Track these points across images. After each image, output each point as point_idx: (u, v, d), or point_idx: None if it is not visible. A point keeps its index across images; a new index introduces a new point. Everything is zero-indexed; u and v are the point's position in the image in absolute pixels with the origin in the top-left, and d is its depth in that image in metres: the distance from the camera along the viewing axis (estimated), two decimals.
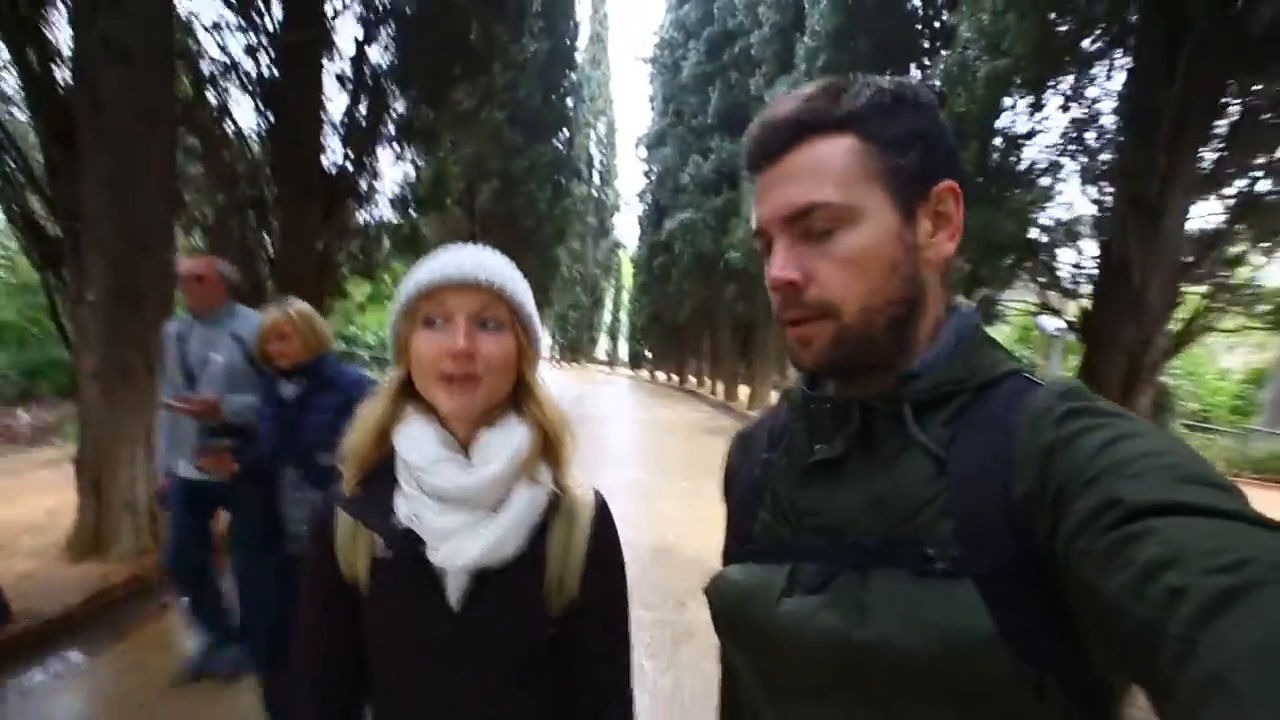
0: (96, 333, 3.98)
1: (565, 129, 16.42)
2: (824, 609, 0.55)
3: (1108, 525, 0.40)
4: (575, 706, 0.86)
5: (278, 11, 5.65)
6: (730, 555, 0.72)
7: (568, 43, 15.37)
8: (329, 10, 5.41)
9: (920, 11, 7.47)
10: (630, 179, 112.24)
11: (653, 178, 25.92)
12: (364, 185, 6.38)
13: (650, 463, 9.39)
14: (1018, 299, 5.85)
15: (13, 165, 4.18)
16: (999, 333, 5.34)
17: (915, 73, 7.58)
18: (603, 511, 0.86)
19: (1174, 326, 3.87)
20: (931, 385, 0.58)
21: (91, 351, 4.01)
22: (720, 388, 21.53)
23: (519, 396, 0.82)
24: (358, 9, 5.78)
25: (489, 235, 12.61)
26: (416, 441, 0.77)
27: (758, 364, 17.58)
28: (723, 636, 0.68)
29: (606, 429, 12.97)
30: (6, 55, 4.05)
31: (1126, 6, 3.68)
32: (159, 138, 4.23)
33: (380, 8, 5.67)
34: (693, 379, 28.70)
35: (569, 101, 16.34)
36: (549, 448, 0.81)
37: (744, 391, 19.43)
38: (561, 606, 0.81)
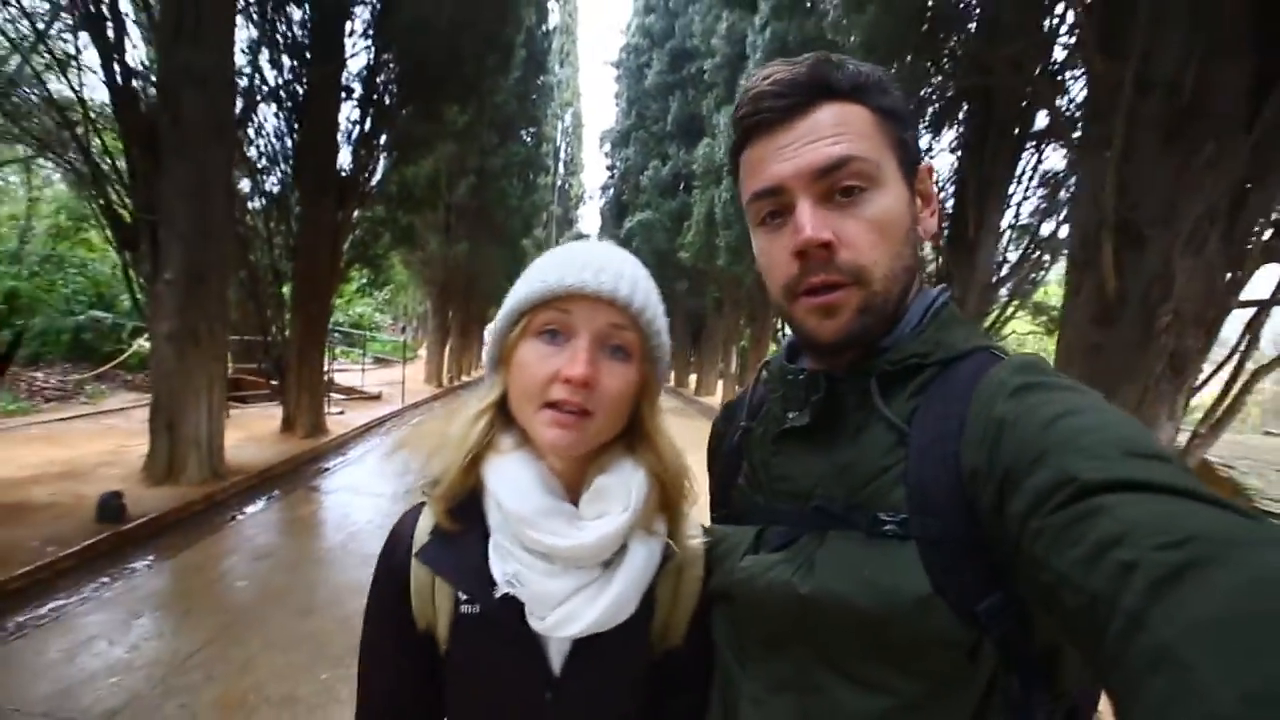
0: (172, 304, 5.03)
1: (534, 126, 17.47)
2: (778, 565, 0.59)
3: (1059, 504, 0.40)
4: None
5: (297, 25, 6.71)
6: (712, 518, 0.75)
7: (544, 46, 16.40)
8: (347, 46, 6.48)
9: None
10: (595, 171, 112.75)
11: (616, 174, 27.02)
12: (367, 185, 7.44)
13: None
14: None
15: (99, 166, 5.14)
16: None
17: None
18: None
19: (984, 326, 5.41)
20: (898, 359, 0.58)
21: (168, 318, 5.05)
22: (671, 375, 23.03)
23: (632, 435, 0.68)
24: (367, 42, 6.85)
25: (462, 225, 13.63)
26: (516, 483, 0.64)
27: (705, 353, 19.14)
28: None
29: None
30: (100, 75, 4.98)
31: (959, 97, 5.15)
32: (224, 147, 5.29)
33: (387, 41, 6.73)
34: None
35: (538, 100, 17.38)
36: (665, 497, 0.68)
37: (693, 379, 20.98)
38: (659, 653, 0.72)
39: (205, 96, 4.98)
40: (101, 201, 5.14)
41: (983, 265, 5.23)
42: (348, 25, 6.52)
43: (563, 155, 39.76)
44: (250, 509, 5.17)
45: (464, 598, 0.66)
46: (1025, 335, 6.40)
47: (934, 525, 0.52)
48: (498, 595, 0.63)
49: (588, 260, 0.63)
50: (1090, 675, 0.54)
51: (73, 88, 5.03)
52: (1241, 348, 3.36)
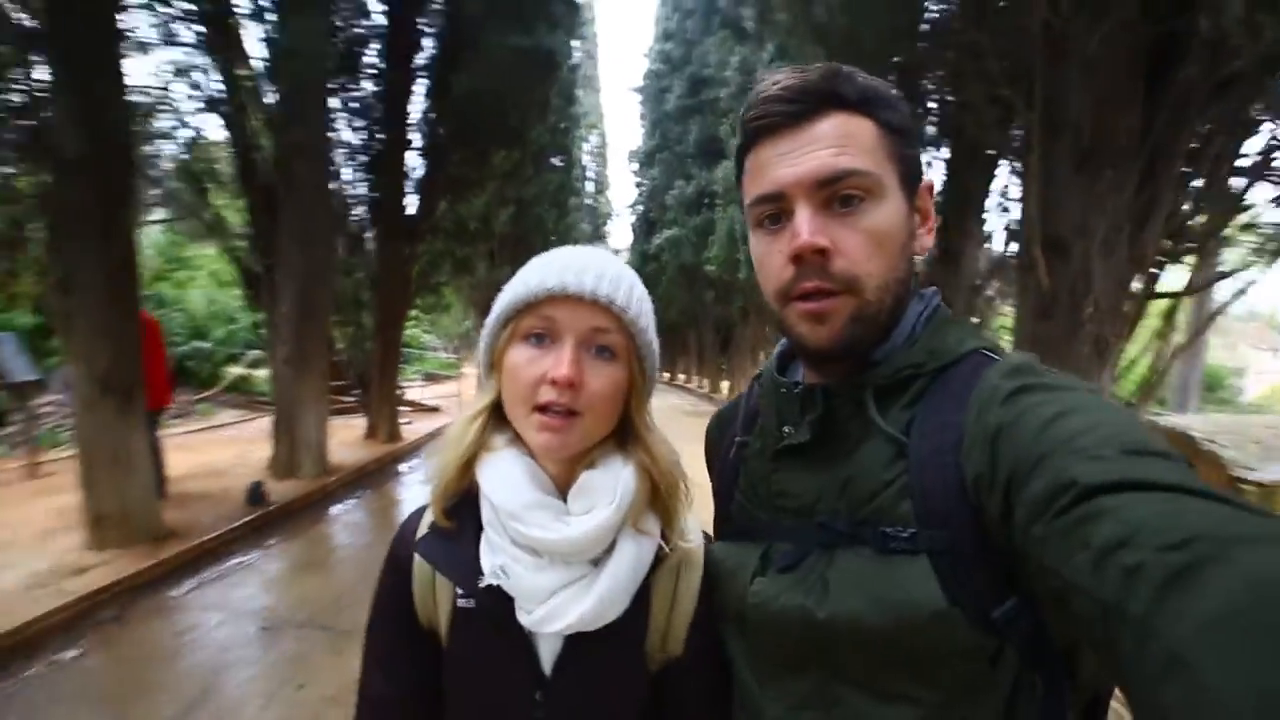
0: (288, 334, 6.18)
1: (565, 153, 18.70)
2: (790, 588, 0.58)
3: (1061, 508, 0.40)
4: None
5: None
6: (716, 533, 0.75)
7: (571, 79, 17.63)
8: (411, 113, 7.70)
9: None
10: (622, 189, 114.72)
11: (644, 192, 28.14)
12: (428, 223, 8.61)
13: None
14: None
15: (225, 223, 6.37)
16: None
17: None
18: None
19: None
20: (892, 371, 0.58)
21: (285, 345, 6.21)
22: (705, 382, 23.87)
23: (622, 436, 0.69)
24: (427, 102, 8.03)
25: (504, 251, 14.83)
26: (506, 479, 0.65)
27: (736, 360, 19.94)
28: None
29: None
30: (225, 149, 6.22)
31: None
32: (325, 204, 6.47)
33: (443, 105, 7.90)
34: (682, 375, 30.92)
35: (567, 129, 18.61)
36: (657, 496, 0.68)
37: (725, 385, 21.79)
38: (660, 664, 0.71)
39: (310, 164, 6.16)
40: (230, 251, 6.37)
41: (966, 270, 6.03)
42: (411, 95, 7.72)
43: (590, 174, 41.12)
44: (352, 499, 6.29)
45: (460, 593, 0.68)
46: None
47: (942, 537, 0.52)
48: (482, 585, 0.64)
49: (568, 263, 0.64)
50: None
51: (204, 160, 6.29)
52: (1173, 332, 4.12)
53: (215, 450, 7.31)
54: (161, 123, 6.22)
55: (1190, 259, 3.99)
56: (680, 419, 14.71)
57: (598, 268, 0.64)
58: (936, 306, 0.64)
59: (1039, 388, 0.51)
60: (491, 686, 0.70)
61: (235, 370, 11.18)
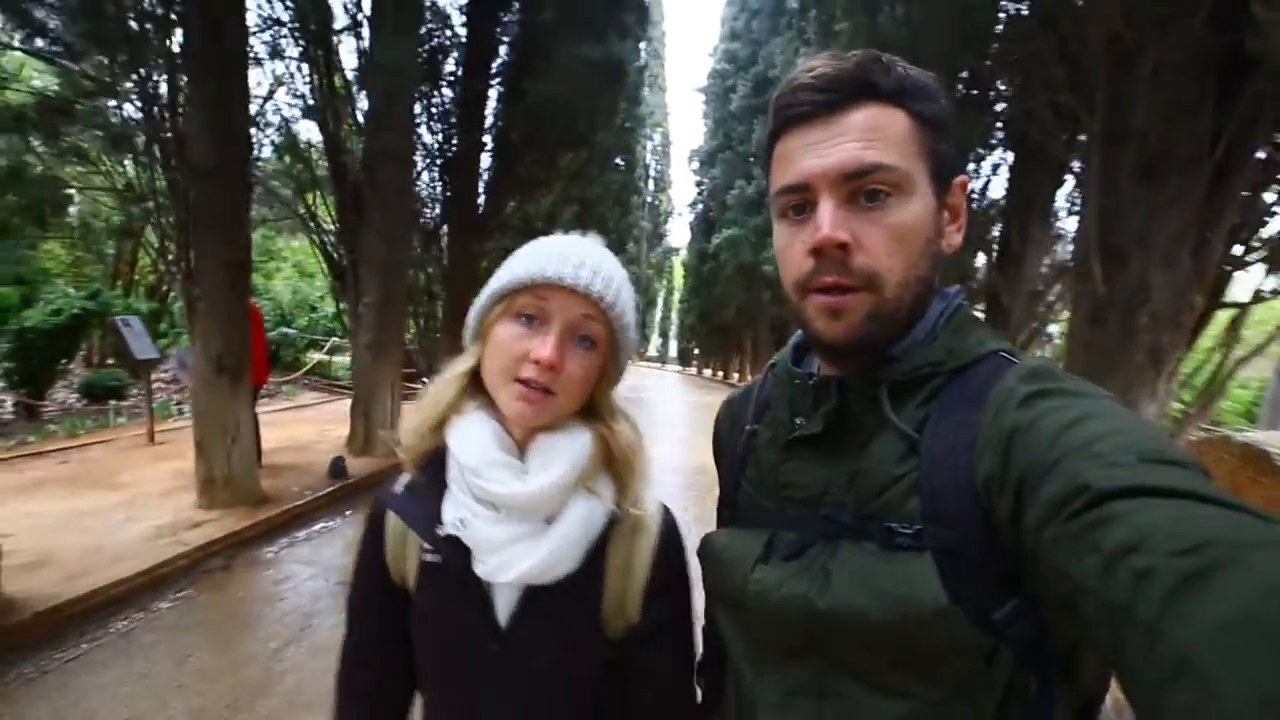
0: (370, 323, 6.72)
1: (628, 153, 19.05)
2: (792, 577, 0.58)
3: (1074, 512, 0.40)
4: None
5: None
6: (720, 518, 0.76)
7: (636, 81, 17.97)
8: (487, 116, 8.15)
9: None
10: (683, 188, 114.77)
11: (704, 191, 28.22)
12: (498, 220, 9.07)
13: (693, 427, 11.99)
14: None
15: (318, 219, 6.98)
16: None
17: None
18: (671, 532, 0.78)
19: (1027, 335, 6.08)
20: (910, 368, 0.58)
21: (366, 333, 6.75)
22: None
23: (588, 411, 0.74)
24: (499, 106, 8.48)
25: None
26: (471, 438, 0.70)
27: None
28: (709, 596, 0.71)
29: (661, 409, 15.62)
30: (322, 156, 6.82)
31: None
32: (407, 204, 6.99)
33: (516, 109, 8.32)
34: (736, 375, 30.86)
35: (631, 129, 18.95)
36: (614, 465, 0.74)
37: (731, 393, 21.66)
38: (620, 630, 0.75)
39: (395, 166, 6.67)
40: (321, 245, 6.99)
41: (1027, 275, 5.96)
42: (486, 100, 8.17)
43: (652, 173, 41.40)
44: None
45: (427, 548, 0.72)
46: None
47: (949, 536, 0.52)
48: (441, 534, 0.69)
49: (568, 255, 0.69)
50: (1109, 672, 0.55)
51: (307, 163, 6.92)
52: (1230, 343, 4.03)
53: (298, 428, 8.02)
54: (267, 128, 6.86)
55: (1257, 269, 3.89)
56: None
57: (594, 263, 0.70)
58: (959, 306, 0.63)
59: (1057, 392, 0.51)
60: (452, 637, 0.74)
61: (316, 356, 12.09)
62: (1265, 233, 3.78)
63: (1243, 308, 3.93)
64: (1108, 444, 0.43)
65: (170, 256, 4.86)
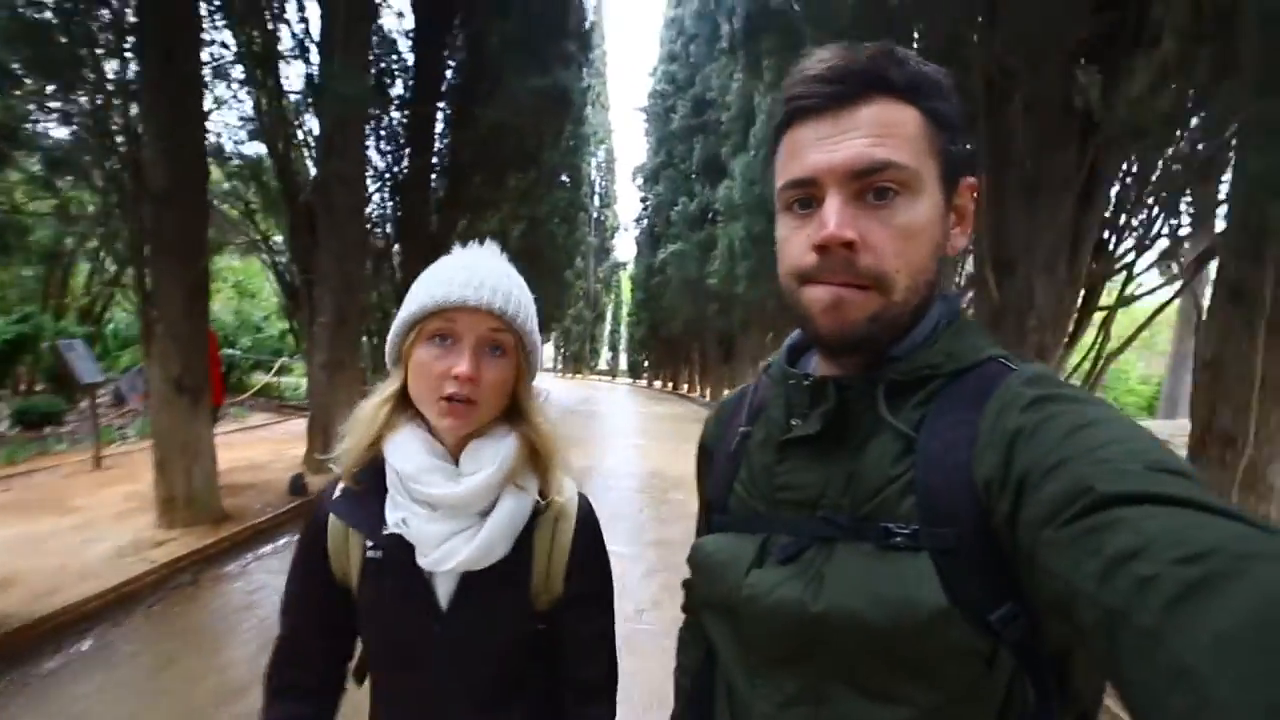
0: (324, 342, 6.81)
1: (574, 171, 19.45)
2: (786, 581, 0.57)
3: (1076, 514, 0.40)
4: (561, 702, 0.90)
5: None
6: (708, 525, 0.74)
7: (581, 102, 18.40)
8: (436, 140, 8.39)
9: None
10: (628, 203, 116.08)
11: (649, 206, 28.88)
12: (450, 240, 9.26)
13: (646, 435, 12.55)
14: None
15: (269, 241, 7.04)
16: None
17: None
18: (587, 515, 0.89)
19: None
20: (909, 369, 0.58)
21: (321, 352, 6.84)
22: (708, 391, 24.43)
23: (511, 412, 0.83)
24: (444, 129, 8.72)
25: (517, 264, 15.49)
26: (406, 450, 0.78)
27: (738, 370, 20.53)
28: (700, 603, 0.71)
29: (613, 420, 15.98)
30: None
31: None
32: (358, 225, 7.13)
33: (465, 133, 8.59)
34: (685, 386, 31.45)
35: (576, 147, 19.37)
36: (536, 458, 0.83)
37: (725, 391, 22.30)
38: (547, 604, 0.86)
39: (347, 190, 6.82)
40: (273, 265, 7.04)
41: (942, 286, 6.64)
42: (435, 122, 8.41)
43: (597, 189, 41.93)
44: None
45: (370, 545, 0.81)
46: None
47: (946, 536, 0.51)
48: (386, 532, 0.78)
49: (468, 277, 0.75)
50: (1103, 683, 0.55)
51: (260, 184, 6.97)
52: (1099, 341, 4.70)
53: (252, 449, 7.95)
54: (216, 151, 6.89)
55: (1119, 278, 4.58)
56: (683, 422, 15.37)
57: (492, 281, 0.77)
58: (958, 310, 0.63)
59: (1061, 398, 0.51)
60: (398, 623, 0.82)
61: (264, 377, 11.87)
62: (1119, 250, 4.46)
63: (1111, 310, 4.62)
64: (1114, 450, 0.43)
65: (107, 279, 4.90)
